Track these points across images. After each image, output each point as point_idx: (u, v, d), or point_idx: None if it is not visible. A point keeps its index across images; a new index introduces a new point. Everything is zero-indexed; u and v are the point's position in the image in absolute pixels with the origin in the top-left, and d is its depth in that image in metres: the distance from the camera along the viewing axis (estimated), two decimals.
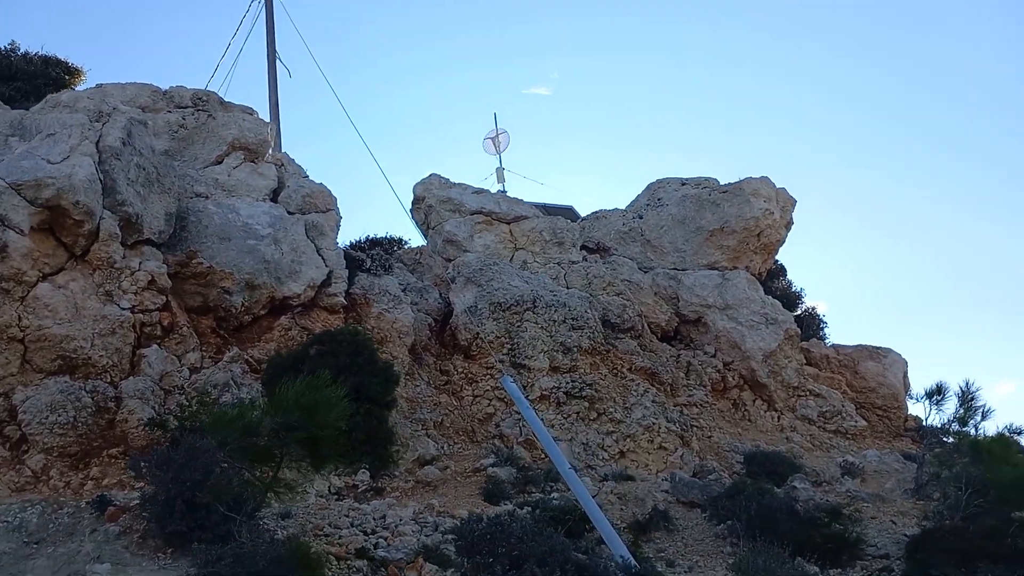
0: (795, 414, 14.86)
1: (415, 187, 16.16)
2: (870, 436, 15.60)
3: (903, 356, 17.38)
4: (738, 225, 16.25)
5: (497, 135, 22.06)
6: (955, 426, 10.92)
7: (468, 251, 14.91)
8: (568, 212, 19.60)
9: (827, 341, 19.91)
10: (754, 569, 6.83)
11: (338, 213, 12.47)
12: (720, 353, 15.51)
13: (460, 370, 12.40)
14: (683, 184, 17.67)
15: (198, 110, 12.75)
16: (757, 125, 47.47)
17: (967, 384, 12.11)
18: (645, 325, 15.42)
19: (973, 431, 11.19)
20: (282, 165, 12.64)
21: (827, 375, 16.43)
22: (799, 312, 21.75)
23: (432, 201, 15.64)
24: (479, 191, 16.14)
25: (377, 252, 12.92)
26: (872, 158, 45.20)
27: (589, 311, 13.32)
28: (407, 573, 6.20)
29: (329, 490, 9.19)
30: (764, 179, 16.80)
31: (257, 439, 6.11)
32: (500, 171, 21.76)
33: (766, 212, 16.31)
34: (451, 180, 16.33)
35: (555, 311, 12.92)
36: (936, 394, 11.98)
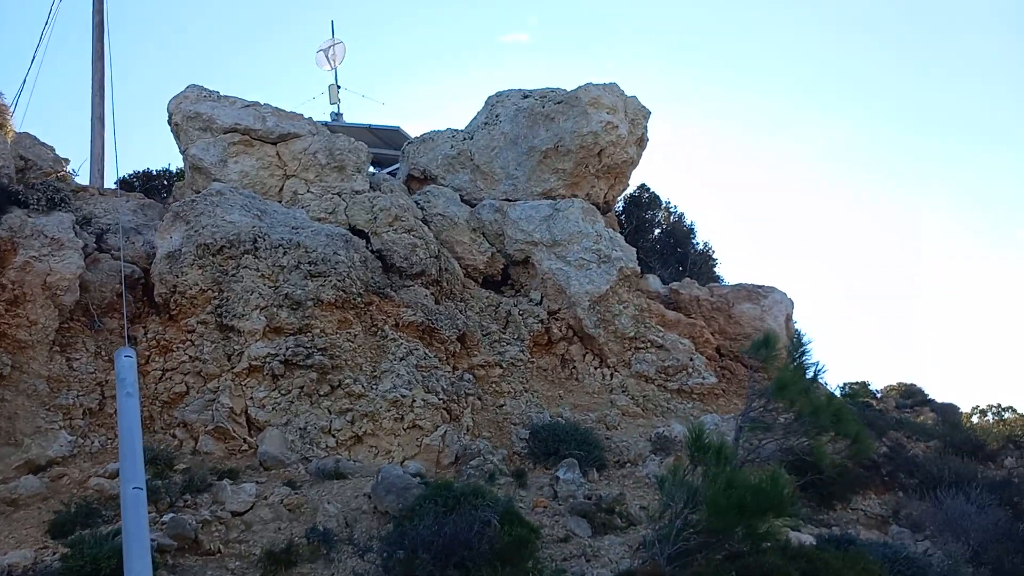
0: (630, 370, 12.20)
1: (168, 103, 12.89)
2: (729, 394, 13.01)
3: (788, 296, 14.86)
4: (573, 143, 13.25)
5: (332, 46, 18.67)
6: (770, 388, 8.26)
7: (220, 180, 11.82)
8: (394, 134, 16.48)
9: (721, 281, 17.40)
10: None
11: None
12: (547, 300, 12.75)
13: (152, 335, 9.47)
14: (525, 97, 14.55)
15: None
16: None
17: (797, 335, 9.66)
18: (456, 268, 12.59)
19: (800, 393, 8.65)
20: None
21: (689, 322, 13.77)
22: (689, 249, 19.18)
23: (179, 118, 12.41)
24: (251, 104, 12.89)
25: (46, 184, 9.79)
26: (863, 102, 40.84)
27: (342, 252, 10.36)
28: None
29: None
30: (609, 86, 13.71)
31: None
32: (334, 88, 18.50)
33: (608, 126, 13.27)
34: (219, 92, 13.06)
35: (284, 254, 9.94)
36: (763, 347, 9.40)
